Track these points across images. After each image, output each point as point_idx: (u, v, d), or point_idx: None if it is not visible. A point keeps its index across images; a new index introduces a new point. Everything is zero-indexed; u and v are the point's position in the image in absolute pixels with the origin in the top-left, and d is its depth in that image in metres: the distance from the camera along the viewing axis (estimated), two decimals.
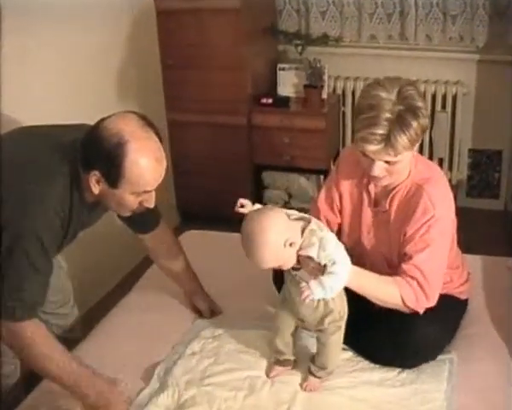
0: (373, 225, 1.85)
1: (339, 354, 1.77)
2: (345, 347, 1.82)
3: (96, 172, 1.55)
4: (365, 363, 1.82)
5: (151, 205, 1.63)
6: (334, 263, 1.56)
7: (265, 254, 1.54)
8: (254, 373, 1.79)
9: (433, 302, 1.72)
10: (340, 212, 1.93)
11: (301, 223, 1.61)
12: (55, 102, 2.55)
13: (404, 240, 1.73)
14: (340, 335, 1.72)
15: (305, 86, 3.44)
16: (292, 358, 1.80)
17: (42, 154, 1.63)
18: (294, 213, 1.64)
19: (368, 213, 1.85)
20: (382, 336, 1.77)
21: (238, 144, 3.53)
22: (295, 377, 1.78)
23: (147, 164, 1.54)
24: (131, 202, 1.60)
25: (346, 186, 1.89)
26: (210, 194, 3.63)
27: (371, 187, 1.82)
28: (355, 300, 1.71)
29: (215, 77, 3.39)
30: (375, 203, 1.84)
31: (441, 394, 1.67)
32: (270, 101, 3.44)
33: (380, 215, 1.82)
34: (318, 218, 1.82)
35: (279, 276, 1.93)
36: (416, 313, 1.72)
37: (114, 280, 3.10)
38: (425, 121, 1.63)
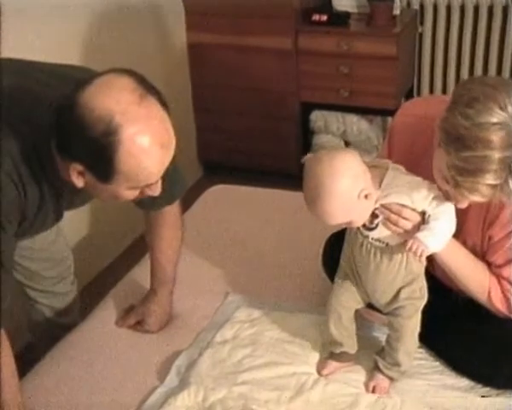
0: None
1: (415, 347, 1.76)
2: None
3: (78, 166, 1.47)
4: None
5: (156, 194, 1.58)
6: (437, 205, 1.56)
7: (335, 204, 1.53)
8: (303, 369, 1.79)
9: None
10: None
11: (378, 170, 1.60)
12: None
13: (491, 245, 1.72)
14: (417, 320, 1.71)
15: None
16: (352, 351, 1.79)
17: (8, 100, 1.54)
18: (366, 159, 1.63)
19: None
20: (481, 348, 1.76)
21: (280, 75, 3.54)
22: (357, 375, 1.78)
23: (148, 154, 1.45)
24: (129, 195, 1.55)
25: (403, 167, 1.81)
26: (241, 139, 3.69)
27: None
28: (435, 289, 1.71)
29: None
30: None
31: None
32: (323, 18, 3.41)
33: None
34: None
35: (330, 256, 1.93)
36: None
37: (115, 252, 3.19)
38: None
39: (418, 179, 1.61)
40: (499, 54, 3.52)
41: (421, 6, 3.57)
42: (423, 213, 1.58)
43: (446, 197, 1.57)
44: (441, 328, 1.78)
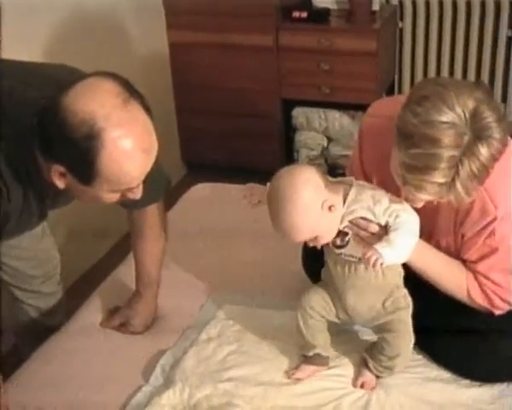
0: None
1: (409, 352, 1.75)
2: None
3: (60, 168, 1.46)
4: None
5: (137, 197, 1.58)
6: (397, 216, 1.56)
7: (299, 216, 1.53)
8: (288, 365, 1.79)
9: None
10: None
11: (342, 186, 1.60)
12: None
13: (464, 243, 1.73)
14: (410, 331, 1.70)
15: None
16: (326, 353, 1.78)
17: None
18: (331, 179, 1.65)
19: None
20: (461, 342, 1.78)
21: (261, 72, 3.56)
22: (342, 370, 1.78)
23: (130, 158, 1.44)
24: (110, 198, 1.55)
25: (374, 169, 1.81)
26: (223, 138, 3.70)
27: None
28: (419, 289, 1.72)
29: None
30: None
31: None
32: (303, 15, 3.43)
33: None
34: None
35: (311, 257, 1.92)
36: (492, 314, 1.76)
37: (100, 252, 3.19)
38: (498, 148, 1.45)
39: (381, 192, 1.62)
40: (479, 47, 3.54)
41: (401, 2, 3.59)
42: (386, 226, 1.59)
43: (407, 201, 1.59)
44: (424, 322, 1.77)
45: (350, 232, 1.63)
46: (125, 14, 3.26)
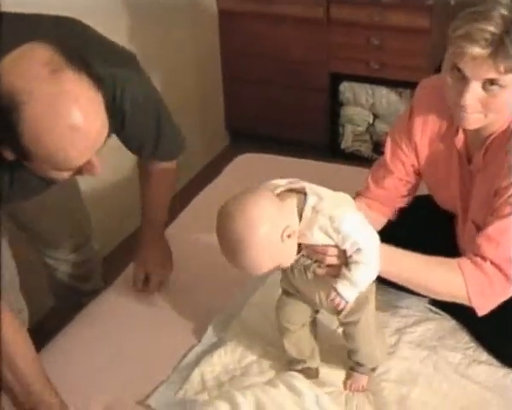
0: (464, 189, 1.79)
1: (380, 347, 1.72)
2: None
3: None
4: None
5: (94, 174, 1.45)
6: (358, 249, 1.49)
7: (260, 255, 1.46)
8: None
9: None
10: (418, 173, 1.89)
11: (295, 198, 1.52)
12: None
13: (494, 200, 1.65)
14: (368, 323, 1.66)
15: None
16: (315, 365, 1.74)
17: None
18: (280, 182, 1.55)
19: (456, 175, 1.80)
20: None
21: (310, 45, 3.58)
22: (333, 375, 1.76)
23: (53, 136, 1.30)
24: (61, 176, 1.43)
25: (425, 138, 1.82)
26: (269, 109, 3.72)
27: (458, 138, 1.74)
28: None
29: None
30: (468, 160, 1.77)
31: None
32: None
33: (474, 177, 1.76)
34: (386, 185, 1.86)
35: None
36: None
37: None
38: None
39: (341, 203, 1.54)
40: None
41: None
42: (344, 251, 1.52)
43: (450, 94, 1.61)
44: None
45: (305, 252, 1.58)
46: None
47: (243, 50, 3.72)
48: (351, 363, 1.71)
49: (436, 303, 1.90)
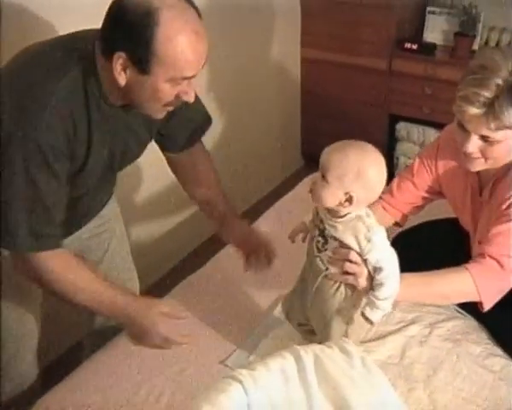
0: (475, 216, 1.87)
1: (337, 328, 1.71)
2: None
3: (122, 54, 1.44)
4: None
5: (191, 99, 1.55)
6: (381, 269, 1.53)
7: (334, 163, 1.57)
8: None
9: None
10: (433, 193, 1.99)
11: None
12: None
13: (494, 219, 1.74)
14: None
15: (456, 34, 3.68)
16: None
17: (45, 52, 1.54)
18: None
19: (468, 204, 1.89)
20: None
21: (375, 90, 3.89)
22: None
23: (184, 36, 1.44)
24: (167, 92, 1.51)
25: (447, 171, 1.92)
26: (338, 139, 3.89)
27: (471, 175, 1.83)
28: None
29: (358, 14, 3.78)
30: (480, 192, 1.85)
31: None
32: (414, 46, 3.72)
33: (483, 207, 1.84)
34: (406, 192, 1.94)
35: None
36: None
37: (178, 256, 3.35)
38: None
39: (380, 227, 1.58)
40: None
41: (497, 45, 3.75)
42: (365, 260, 1.55)
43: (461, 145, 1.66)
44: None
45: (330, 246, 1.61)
46: (268, 27, 3.66)
47: (319, 92, 4.06)
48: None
49: (461, 307, 1.99)
